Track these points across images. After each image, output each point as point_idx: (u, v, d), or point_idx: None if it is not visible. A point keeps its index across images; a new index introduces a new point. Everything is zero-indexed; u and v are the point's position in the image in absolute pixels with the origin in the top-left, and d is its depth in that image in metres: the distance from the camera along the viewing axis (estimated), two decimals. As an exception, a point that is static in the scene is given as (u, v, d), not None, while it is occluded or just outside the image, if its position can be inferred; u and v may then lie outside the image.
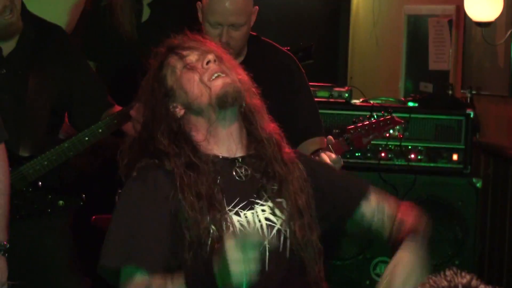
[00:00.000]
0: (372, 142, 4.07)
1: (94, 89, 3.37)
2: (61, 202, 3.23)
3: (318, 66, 5.47)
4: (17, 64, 3.21)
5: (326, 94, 4.33)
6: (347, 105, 4.23)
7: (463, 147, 4.21)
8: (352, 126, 3.15)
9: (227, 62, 2.35)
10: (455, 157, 4.21)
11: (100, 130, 3.19)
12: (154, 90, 2.31)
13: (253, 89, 2.41)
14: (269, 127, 2.40)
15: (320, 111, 3.71)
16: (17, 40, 3.20)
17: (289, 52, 3.53)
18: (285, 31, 5.42)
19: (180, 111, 2.30)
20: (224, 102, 2.25)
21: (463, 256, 4.17)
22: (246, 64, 2.93)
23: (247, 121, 2.36)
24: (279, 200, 2.31)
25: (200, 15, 3.35)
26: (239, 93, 2.29)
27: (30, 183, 3.14)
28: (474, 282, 1.38)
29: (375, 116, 3.24)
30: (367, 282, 4.05)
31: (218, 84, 2.26)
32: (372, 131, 3.17)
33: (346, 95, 4.31)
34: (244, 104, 2.35)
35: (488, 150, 4.53)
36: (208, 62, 2.23)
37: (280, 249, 2.26)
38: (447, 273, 1.40)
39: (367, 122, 3.19)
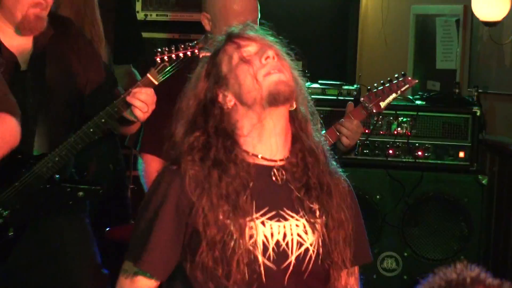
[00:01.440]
0: (379, 139, 4.07)
1: (106, 80, 3.36)
2: (81, 193, 3.22)
3: (327, 65, 5.55)
4: (37, 65, 3.21)
5: (335, 92, 4.35)
6: (356, 102, 4.17)
7: (469, 144, 4.22)
8: (368, 93, 3.25)
9: (283, 61, 2.28)
10: (461, 154, 4.24)
11: (103, 120, 3.16)
12: (208, 75, 2.24)
13: (306, 94, 2.34)
14: (319, 136, 2.34)
15: (329, 108, 3.73)
16: (33, 45, 3.21)
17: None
18: (295, 31, 5.36)
19: (230, 101, 2.23)
20: (275, 99, 2.18)
21: (468, 251, 4.24)
22: None
23: (297, 126, 2.28)
24: (315, 218, 2.24)
25: (208, 24, 3.38)
26: (292, 93, 2.21)
27: (47, 179, 3.13)
28: (482, 276, 1.37)
29: (390, 80, 3.31)
30: (374, 276, 4.11)
31: (272, 79, 2.19)
32: (389, 93, 3.25)
33: (355, 93, 4.33)
34: (294, 106, 2.28)
35: (494, 147, 4.52)
36: (267, 58, 2.14)
37: (303, 268, 2.21)
38: (458, 265, 1.39)
39: (382, 87, 3.27)
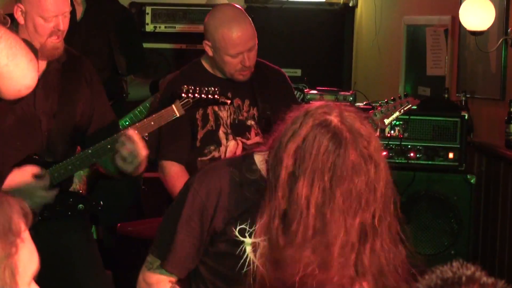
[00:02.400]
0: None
1: (109, 116, 3.39)
2: (81, 206, 3.24)
3: (325, 72, 5.72)
4: (49, 86, 3.24)
5: (332, 97, 4.37)
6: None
7: (458, 146, 4.26)
8: (373, 111, 3.33)
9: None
10: (451, 155, 4.26)
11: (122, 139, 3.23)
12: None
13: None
14: None
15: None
16: (47, 63, 3.24)
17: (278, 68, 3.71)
18: (296, 41, 5.55)
19: None
20: None
21: (458, 246, 4.21)
22: (257, 82, 3.39)
23: None
24: None
25: (210, 51, 3.43)
26: None
27: (54, 185, 3.16)
28: (477, 274, 1.36)
29: (394, 99, 3.40)
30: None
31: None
32: (393, 111, 3.32)
33: (351, 98, 4.35)
34: None
35: (481, 149, 4.54)
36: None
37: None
38: (454, 264, 1.38)
39: (387, 105, 3.33)
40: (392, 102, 3.39)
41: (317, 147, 1.96)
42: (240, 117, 3.61)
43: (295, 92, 3.95)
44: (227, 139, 3.58)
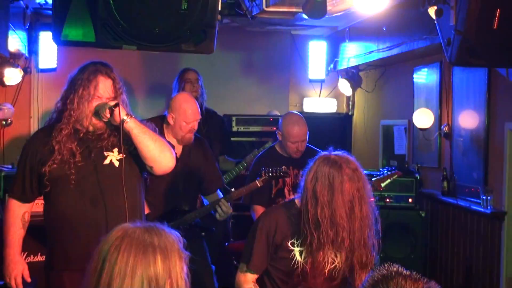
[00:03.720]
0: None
1: (217, 174, 3.42)
2: (203, 233, 3.37)
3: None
4: (184, 161, 3.31)
5: None
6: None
7: (414, 194, 4.64)
8: (374, 179, 3.45)
9: None
10: (410, 200, 4.65)
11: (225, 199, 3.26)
12: None
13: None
14: None
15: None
16: (183, 147, 3.34)
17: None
18: (320, 132, 5.29)
19: None
20: None
21: (415, 253, 4.57)
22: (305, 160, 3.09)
23: None
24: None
25: (280, 137, 3.59)
26: None
27: (189, 224, 3.31)
28: (400, 269, 1.38)
29: (386, 172, 3.53)
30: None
31: None
32: (386, 179, 3.41)
33: None
34: None
35: (428, 196, 4.86)
36: None
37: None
38: (385, 265, 1.40)
39: (382, 175, 3.48)
40: (385, 173, 3.46)
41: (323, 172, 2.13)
42: (298, 181, 3.17)
43: None
44: (289, 194, 3.62)
